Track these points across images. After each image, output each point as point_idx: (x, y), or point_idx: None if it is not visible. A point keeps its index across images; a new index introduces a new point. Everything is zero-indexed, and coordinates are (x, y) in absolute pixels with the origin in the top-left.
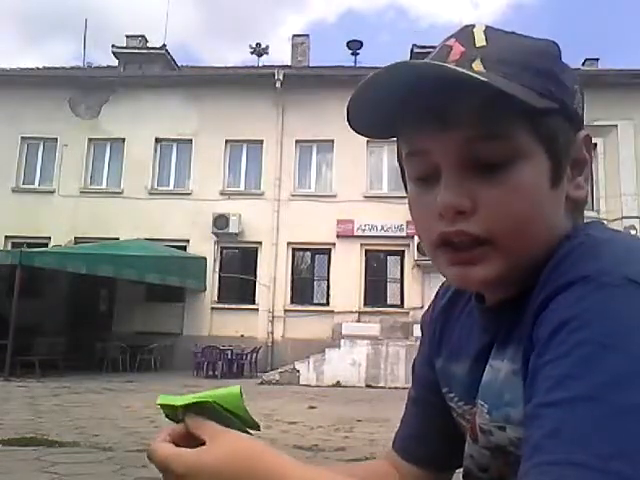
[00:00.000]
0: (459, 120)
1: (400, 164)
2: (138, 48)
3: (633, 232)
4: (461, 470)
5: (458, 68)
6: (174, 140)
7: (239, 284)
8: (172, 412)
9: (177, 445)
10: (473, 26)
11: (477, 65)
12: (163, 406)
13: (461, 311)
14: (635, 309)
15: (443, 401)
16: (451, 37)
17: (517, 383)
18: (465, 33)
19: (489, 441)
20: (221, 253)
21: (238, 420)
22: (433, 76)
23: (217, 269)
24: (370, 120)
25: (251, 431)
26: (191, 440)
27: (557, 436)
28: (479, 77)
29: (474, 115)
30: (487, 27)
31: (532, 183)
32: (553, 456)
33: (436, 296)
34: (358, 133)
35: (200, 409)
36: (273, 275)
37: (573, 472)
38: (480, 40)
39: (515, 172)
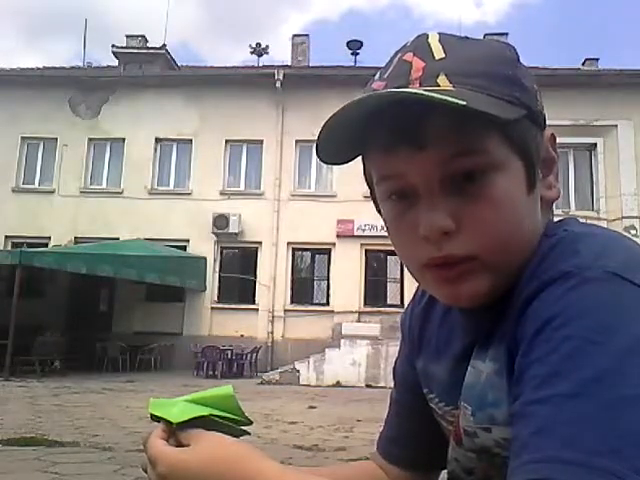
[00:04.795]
0: (433, 140)
1: (369, 184)
2: (138, 48)
3: (633, 232)
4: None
5: (434, 95)
6: (174, 140)
7: (239, 284)
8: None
9: (170, 441)
10: (427, 36)
11: (443, 81)
12: (154, 414)
13: (440, 311)
14: (617, 302)
15: (425, 402)
16: (407, 50)
17: (500, 383)
18: (421, 45)
19: (474, 443)
20: (221, 253)
21: (233, 423)
22: (403, 100)
23: (217, 269)
24: (338, 149)
25: (245, 428)
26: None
27: (544, 434)
28: (458, 101)
29: (448, 134)
30: (441, 35)
31: (511, 193)
32: (540, 454)
33: (414, 296)
34: (326, 164)
35: (196, 422)
36: (273, 275)
37: (560, 469)
38: (438, 52)
39: (494, 185)
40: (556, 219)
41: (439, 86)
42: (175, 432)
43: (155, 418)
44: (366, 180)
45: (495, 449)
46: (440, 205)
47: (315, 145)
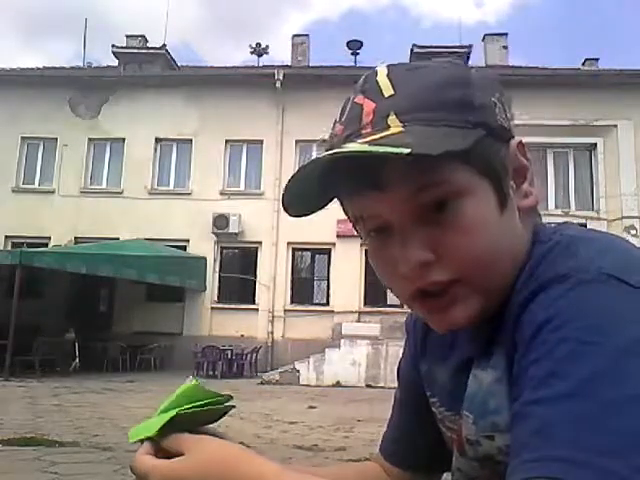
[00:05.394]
0: (393, 181)
1: (349, 218)
2: (138, 48)
3: (633, 232)
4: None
5: (377, 149)
6: (174, 140)
7: (239, 284)
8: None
9: (158, 456)
10: (375, 73)
11: (393, 121)
12: (139, 440)
13: None
14: (614, 304)
15: (428, 404)
16: (358, 92)
17: (500, 390)
18: (371, 85)
19: (477, 452)
20: (221, 253)
21: (210, 406)
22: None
23: (217, 269)
24: (306, 203)
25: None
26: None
27: (543, 433)
28: (402, 150)
29: (406, 173)
30: (389, 69)
31: (482, 216)
32: (539, 453)
33: None
34: (297, 217)
35: (173, 424)
36: (273, 275)
37: (559, 468)
38: (387, 89)
39: (463, 211)
40: (556, 220)
41: (389, 128)
42: (160, 445)
43: (141, 442)
44: (347, 217)
45: (499, 457)
46: (414, 238)
47: (282, 203)
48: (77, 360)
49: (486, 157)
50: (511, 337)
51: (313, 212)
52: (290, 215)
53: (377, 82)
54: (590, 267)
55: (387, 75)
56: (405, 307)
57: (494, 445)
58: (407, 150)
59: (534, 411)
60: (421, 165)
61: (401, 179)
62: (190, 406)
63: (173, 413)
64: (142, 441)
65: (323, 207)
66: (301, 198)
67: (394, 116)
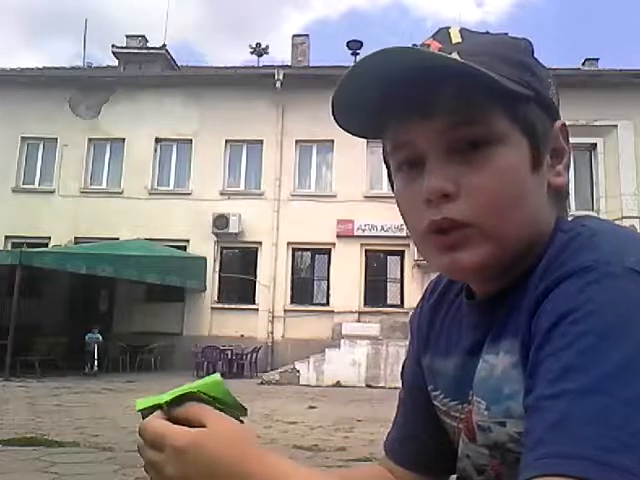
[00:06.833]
0: (439, 108)
1: (386, 162)
2: (138, 48)
3: None
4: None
5: (436, 52)
6: (174, 140)
7: (239, 284)
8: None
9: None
10: (449, 27)
11: (454, 56)
12: (144, 410)
13: (449, 308)
14: (635, 299)
15: (432, 403)
16: (428, 38)
17: (517, 375)
18: (441, 33)
19: (488, 438)
20: (221, 253)
21: (225, 406)
22: (412, 66)
23: (217, 269)
24: (353, 117)
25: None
26: (186, 424)
27: (560, 429)
28: (457, 58)
29: (453, 102)
30: (462, 27)
31: (512, 166)
32: (556, 449)
33: (424, 295)
34: (342, 128)
35: (186, 401)
36: (273, 275)
37: (575, 466)
38: (456, 37)
39: (495, 156)
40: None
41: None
42: (172, 417)
43: (146, 413)
44: (384, 159)
45: (509, 444)
46: (442, 169)
47: (331, 105)
48: (96, 363)
49: (530, 117)
50: (527, 325)
51: (357, 131)
52: (337, 122)
53: (448, 32)
54: (612, 260)
55: (459, 30)
56: (404, 307)
57: (505, 432)
58: (455, 57)
59: (551, 406)
60: (470, 99)
61: (446, 108)
62: (212, 394)
63: (194, 390)
64: (149, 410)
65: (366, 134)
66: (352, 103)
67: (456, 54)
